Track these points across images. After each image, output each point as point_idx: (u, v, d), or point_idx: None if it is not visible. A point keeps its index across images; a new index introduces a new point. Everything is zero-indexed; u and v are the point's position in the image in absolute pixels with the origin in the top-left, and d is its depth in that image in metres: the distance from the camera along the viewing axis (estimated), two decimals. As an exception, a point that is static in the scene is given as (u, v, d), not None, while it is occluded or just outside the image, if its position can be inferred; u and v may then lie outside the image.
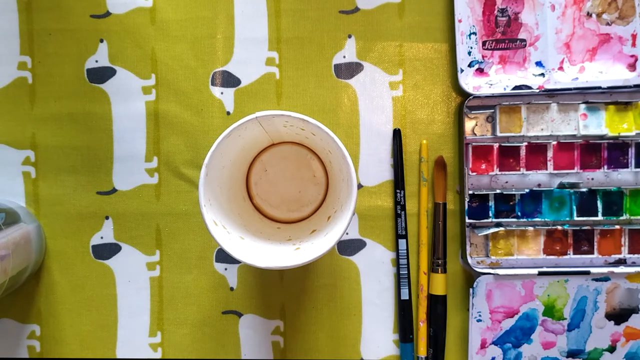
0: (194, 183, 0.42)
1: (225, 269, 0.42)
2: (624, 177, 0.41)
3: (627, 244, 0.41)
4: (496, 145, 0.40)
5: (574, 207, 0.41)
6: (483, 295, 0.41)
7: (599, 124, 0.40)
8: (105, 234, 0.42)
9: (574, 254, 0.41)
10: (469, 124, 0.41)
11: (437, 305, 0.41)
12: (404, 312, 0.41)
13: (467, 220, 0.41)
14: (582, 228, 0.41)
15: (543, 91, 0.40)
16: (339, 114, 0.42)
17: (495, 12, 0.40)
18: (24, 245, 0.39)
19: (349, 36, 0.42)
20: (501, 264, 0.41)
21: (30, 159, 0.42)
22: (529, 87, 0.40)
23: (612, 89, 0.40)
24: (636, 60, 0.40)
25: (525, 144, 0.40)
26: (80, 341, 0.43)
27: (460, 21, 0.40)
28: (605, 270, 0.40)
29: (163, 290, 0.42)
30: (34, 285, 0.42)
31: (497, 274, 0.40)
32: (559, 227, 0.41)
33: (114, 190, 0.42)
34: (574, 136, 0.41)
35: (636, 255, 0.41)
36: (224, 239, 0.31)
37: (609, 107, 0.40)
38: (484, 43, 0.40)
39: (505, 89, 0.40)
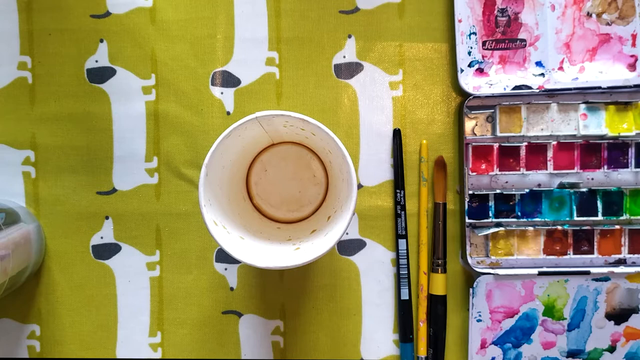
0: (194, 183, 0.42)
1: (225, 269, 0.42)
2: (624, 177, 0.41)
3: (627, 244, 0.41)
4: (496, 145, 0.40)
5: (574, 207, 0.41)
6: (483, 295, 0.41)
7: (599, 124, 0.40)
8: (105, 234, 0.42)
9: (574, 254, 0.41)
10: (469, 124, 0.41)
11: (437, 305, 0.41)
12: (404, 312, 0.41)
13: (467, 220, 0.41)
14: (582, 228, 0.41)
15: (543, 91, 0.40)
16: (339, 114, 0.42)
17: (495, 12, 0.40)
18: (24, 245, 0.39)
19: (349, 36, 0.42)
20: (501, 264, 0.41)
21: (30, 159, 0.42)
22: (529, 87, 0.40)
23: (612, 89, 0.40)
24: (636, 60, 0.40)
25: (525, 144, 0.40)
26: (80, 341, 0.43)
27: (460, 21, 0.40)
28: (605, 270, 0.40)
29: (163, 290, 0.42)
30: (34, 285, 0.42)
31: (497, 274, 0.40)
32: (559, 227, 0.41)
33: (114, 190, 0.42)
34: (574, 136, 0.41)
35: (636, 255, 0.41)
36: (224, 239, 0.31)
37: (609, 107, 0.40)
38: (484, 43, 0.40)
39: (505, 89, 0.40)
